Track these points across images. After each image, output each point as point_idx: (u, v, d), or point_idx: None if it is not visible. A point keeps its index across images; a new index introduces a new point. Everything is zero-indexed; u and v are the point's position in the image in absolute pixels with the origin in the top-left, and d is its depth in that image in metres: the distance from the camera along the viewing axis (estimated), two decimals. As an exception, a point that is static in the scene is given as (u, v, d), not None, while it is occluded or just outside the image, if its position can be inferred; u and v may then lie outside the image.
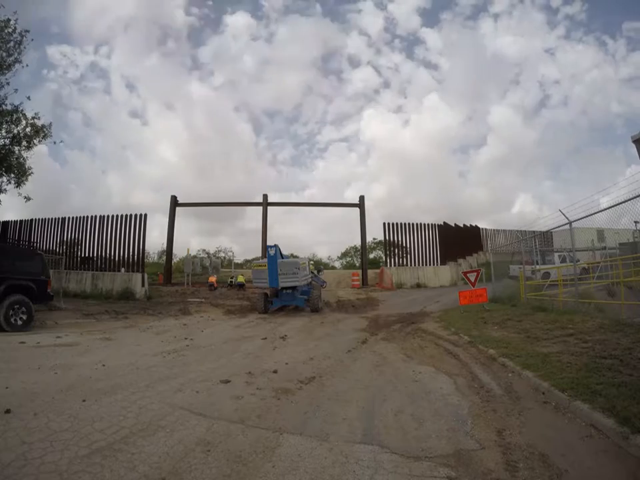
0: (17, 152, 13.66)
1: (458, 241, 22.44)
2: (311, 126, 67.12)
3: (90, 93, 54.44)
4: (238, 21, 56.94)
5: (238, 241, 64.41)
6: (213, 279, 19.52)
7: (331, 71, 64.06)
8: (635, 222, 8.48)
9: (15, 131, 13.60)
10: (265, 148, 66.16)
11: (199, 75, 60.63)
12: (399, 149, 61.23)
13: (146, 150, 60.92)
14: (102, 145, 58.37)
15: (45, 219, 19.26)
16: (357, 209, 21.93)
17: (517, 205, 59.91)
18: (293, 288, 12.52)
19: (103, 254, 18.02)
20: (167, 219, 21.32)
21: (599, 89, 52.58)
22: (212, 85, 59.99)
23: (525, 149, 59.27)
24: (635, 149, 7.37)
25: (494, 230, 27.73)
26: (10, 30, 13.05)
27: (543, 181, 65.09)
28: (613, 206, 7.01)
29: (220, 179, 58.74)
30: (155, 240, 53.08)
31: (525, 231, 15.55)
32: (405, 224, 20.92)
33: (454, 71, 56.38)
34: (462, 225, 24.30)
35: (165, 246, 22.37)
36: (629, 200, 6.52)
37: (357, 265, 31.21)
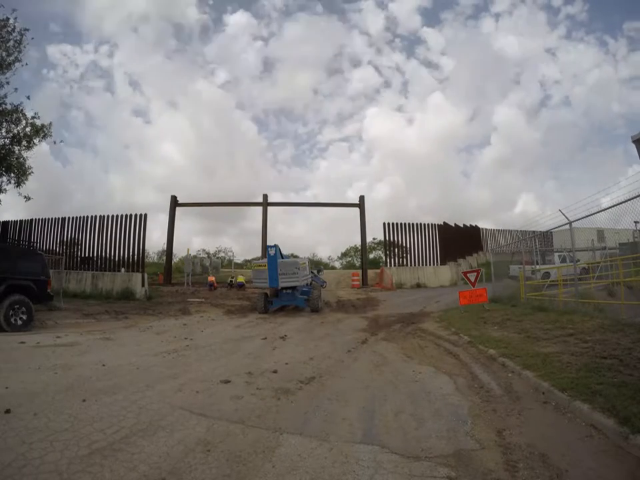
0: (16, 152, 13.67)
1: (458, 241, 22.44)
2: (311, 125, 67.18)
3: (92, 92, 54.42)
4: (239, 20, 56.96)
5: (239, 241, 64.49)
6: (212, 278, 19.45)
7: (332, 70, 64.09)
8: (635, 222, 8.47)
9: (15, 131, 13.61)
10: (265, 148, 66.28)
11: (202, 74, 60.50)
12: (401, 149, 61.32)
13: (148, 149, 60.95)
14: (104, 144, 58.36)
15: (45, 218, 19.27)
16: (357, 209, 21.93)
17: (519, 204, 59.81)
18: (293, 288, 12.52)
19: (103, 254, 18.01)
20: (168, 219, 21.34)
21: (600, 89, 52.62)
22: (215, 84, 59.89)
23: (527, 149, 59.36)
24: (635, 149, 7.38)
25: (494, 230, 27.78)
26: (9, 29, 13.08)
27: (546, 180, 65.10)
28: (612, 206, 7.01)
29: (224, 178, 58.72)
30: (157, 240, 53.10)
31: (525, 231, 15.57)
32: (404, 224, 20.92)
33: (455, 71, 56.47)
34: (462, 225, 24.31)
35: (166, 246, 22.32)
36: (628, 200, 6.51)
37: (357, 265, 31.21)
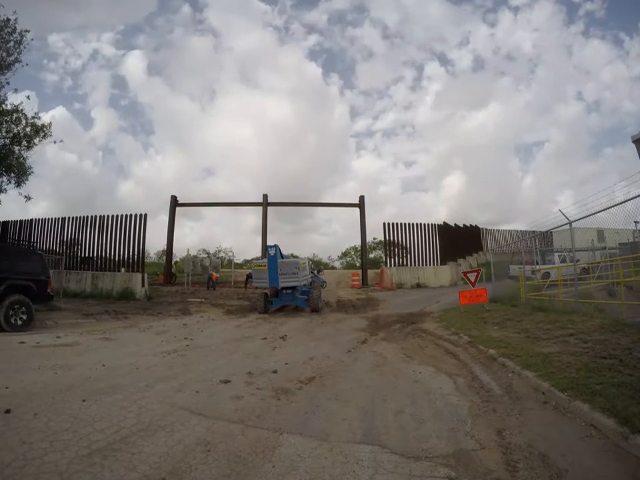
0: (17, 152, 13.71)
1: (458, 240, 22.42)
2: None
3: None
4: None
5: (286, 239, 62.03)
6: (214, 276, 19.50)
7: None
8: (635, 222, 8.47)
9: (15, 131, 13.64)
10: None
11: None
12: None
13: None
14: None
15: (45, 218, 19.26)
16: (358, 209, 21.91)
17: (560, 202, 59.06)
18: (293, 288, 12.51)
19: (103, 254, 17.97)
20: (168, 219, 21.34)
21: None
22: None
23: (577, 149, 58.19)
24: (636, 149, 7.38)
25: (494, 230, 27.81)
26: (10, 29, 13.10)
27: (588, 179, 63.89)
28: (611, 206, 6.99)
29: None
30: (182, 238, 51.26)
31: (525, 231, 15.57)
32: (404, 224, 20.88)
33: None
34: (462, 225, 24.32)
35: (166, 246, 22.26)
36: (628, 200, 6.50)
37: (357, 265, 31.19)
